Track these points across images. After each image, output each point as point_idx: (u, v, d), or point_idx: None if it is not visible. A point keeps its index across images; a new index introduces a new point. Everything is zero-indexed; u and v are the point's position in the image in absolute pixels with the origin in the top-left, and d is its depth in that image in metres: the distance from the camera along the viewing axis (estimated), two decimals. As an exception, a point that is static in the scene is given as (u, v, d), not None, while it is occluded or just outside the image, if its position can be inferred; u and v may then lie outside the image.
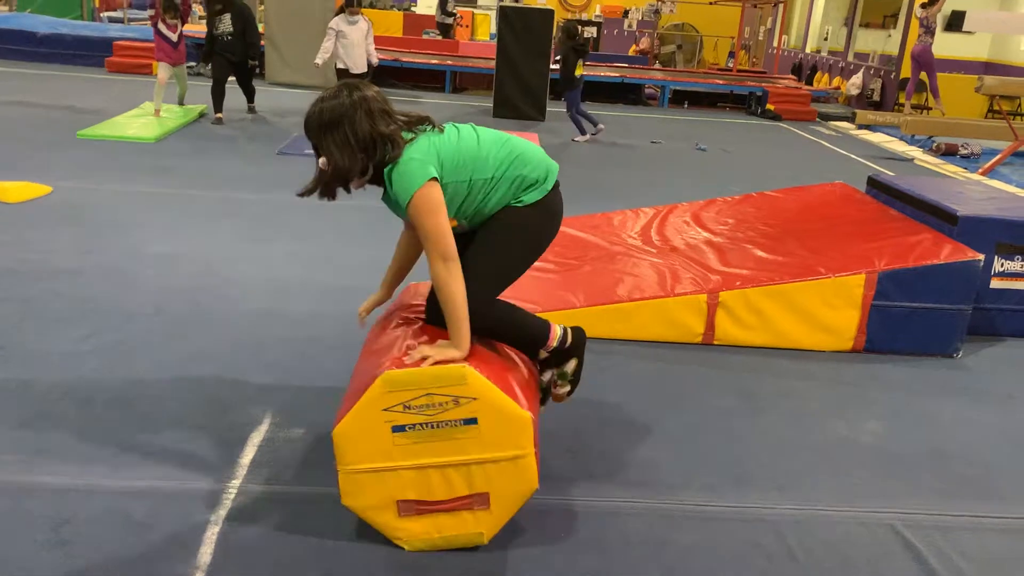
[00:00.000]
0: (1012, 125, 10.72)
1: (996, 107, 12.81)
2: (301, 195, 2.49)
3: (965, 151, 11.05)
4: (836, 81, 16.94)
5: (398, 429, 2.32)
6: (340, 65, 9.14)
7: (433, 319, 2.61)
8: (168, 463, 2.81)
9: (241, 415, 3.16)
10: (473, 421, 2.34)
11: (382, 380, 2.30)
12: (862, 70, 15.82)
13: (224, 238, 5.27)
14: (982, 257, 4.16)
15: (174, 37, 9.17)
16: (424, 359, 2.33)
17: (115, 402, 3.19)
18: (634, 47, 20.33)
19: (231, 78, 9.40)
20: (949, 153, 11.08)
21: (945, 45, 15.46)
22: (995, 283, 4.44)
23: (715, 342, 4.14)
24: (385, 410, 2.31)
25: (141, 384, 3.34)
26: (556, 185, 2.64)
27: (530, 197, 2.55)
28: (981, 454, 3.32)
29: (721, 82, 15.24)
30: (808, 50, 20.34)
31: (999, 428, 3.56)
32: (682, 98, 14.86)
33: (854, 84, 15.67)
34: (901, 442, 3.38)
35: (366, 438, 2.33)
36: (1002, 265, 4.43)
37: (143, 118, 8.97)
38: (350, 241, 5.41)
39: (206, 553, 2.39)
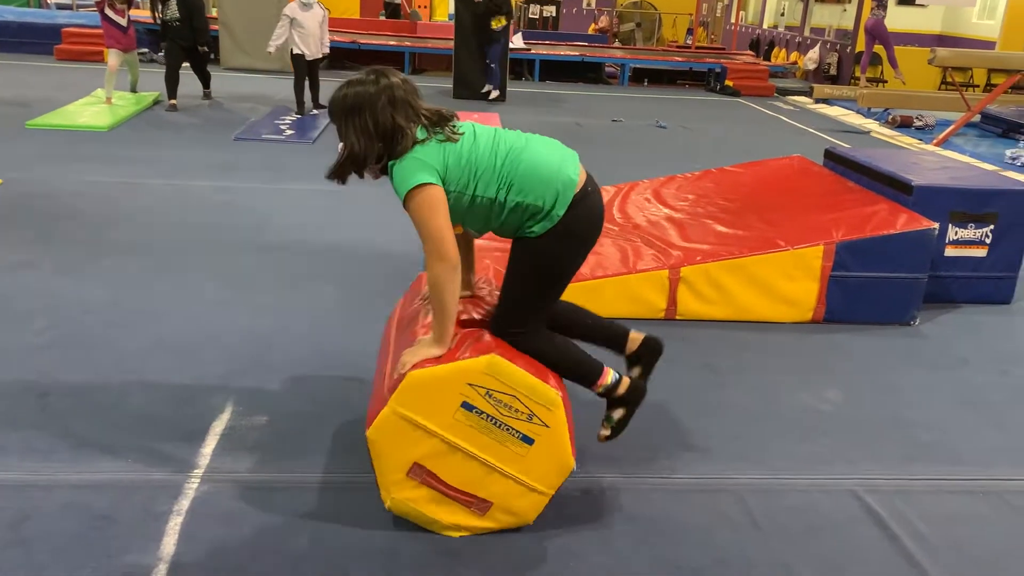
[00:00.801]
0: (964, 96, 10.90)
1: (949, 79, 13.00)
2: (328, 177, 2.48)
3: (920, 123, 11.21)
4: (793, 56, 17.06)
5: (467, 407, 2.34)
6: (296, 51, 9.02)
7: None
8: (129, 455, 2.77)
9: (203, 405, 3.12)
10: (530, 441, 2.38)
11: (488, 361, 2.32)
12: (818, 45, 15.96)
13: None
14: (936, 226, 4.23)
15: (123, 22, 8.96)
16: (405, 365, 2.34)
17: (74, 395, 3.13)
18: (593, 26, 20.31)
19: (186, 64, 9.23)
20: (904, 125, 11.24)
21: (899, 18, 15.65)
22: (949, 251, 4.53)
23: (677, 317, 4.17)
24: (470, 385, 2.32)
25: (100, 376, 3.28)
26: (576, 200, 2.43)
27: (540, 227, 2.43)
28: (938, 419, 3.40)
29: (680, 59, 15.28)
30: (765, 26, 20.47)
31: (954, 393, 3.64)
32: (642, 76, 14.89)
33: (811, 59, 15.80)
34: (861, 410, 3.44)
35: (435, 396, 2.33)
36: (956, 233, 4.51)
37: (95, 106, 8.78)
38: (308, 227, 5.36)
39: (169, 544, 2.36)
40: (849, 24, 15.87)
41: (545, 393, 2.36)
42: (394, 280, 4.50)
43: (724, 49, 17.80)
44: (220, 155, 7.22)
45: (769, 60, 17.35)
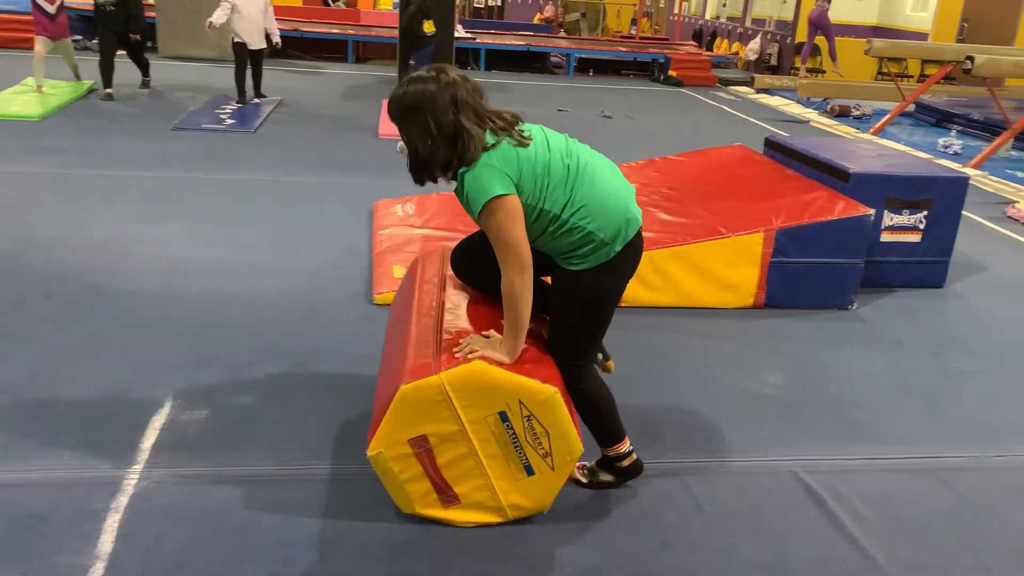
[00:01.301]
0: (899, 86, 11.18)
1: (884, 69, 13.31)
2: (416, 183, 2.37)
3: (857, 112, 11.47)
4: (735, 47, 17.29)
5: (503, 417, 2.35)
6: (237, 39, 8.84)
7: (465, 277, 2.67)
8: (64, 452, 2.70)
9: (141, 399, 3.05)
10: (531, 473, 2.42)
11: (550, 393, 2.33)
12: (759, 35, 16.20)
13: (117, 219, 5.05)
14: (873, 212, 4.33)
15: (51, 9, 8.65)
16: (472, 352, 2.34)
17: (5, 391, 3.03)
18: (538, 15, 20.31)
19: (121, 52, 8.98)
20: (842, 114, 11.49)
21: (837, 10, 15.93)
22: (885, 236, 4.64)
23: (623, 304, 4.17)
24: (520, 402, 2.33)
25: (32, 372, 3.18)
26: (633, 239, 2.44)
27: (592, 260, 2.38)
28: (874, 400, 3.48)
29: (624, 49, 15.38)
30: (708, 16, 20.69)
31: (890, 374, 3.73)
32: (587, 66, 14.95)
33: (752, 49, 16.04)
34: (801, 392, 3.51)
35: (485, 393, 2.32)
36: (891, 219, 4.62)
37: (26, 95, 8.48)
38: (250, 218, 5.27)
39: (107, 542, 2.30)
40: (789, 15, 16.13)
41: (573, 444, 2.41)
42: (337, 270, 4.46)
43: (667, 40, 17.96)
44: (158, 145, 7.05)
45: (711, 51, 17.56)
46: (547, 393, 2.33)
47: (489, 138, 2.27)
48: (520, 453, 2.39)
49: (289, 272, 4.39)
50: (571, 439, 2.40)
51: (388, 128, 8.38)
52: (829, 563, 2.44)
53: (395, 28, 12.00)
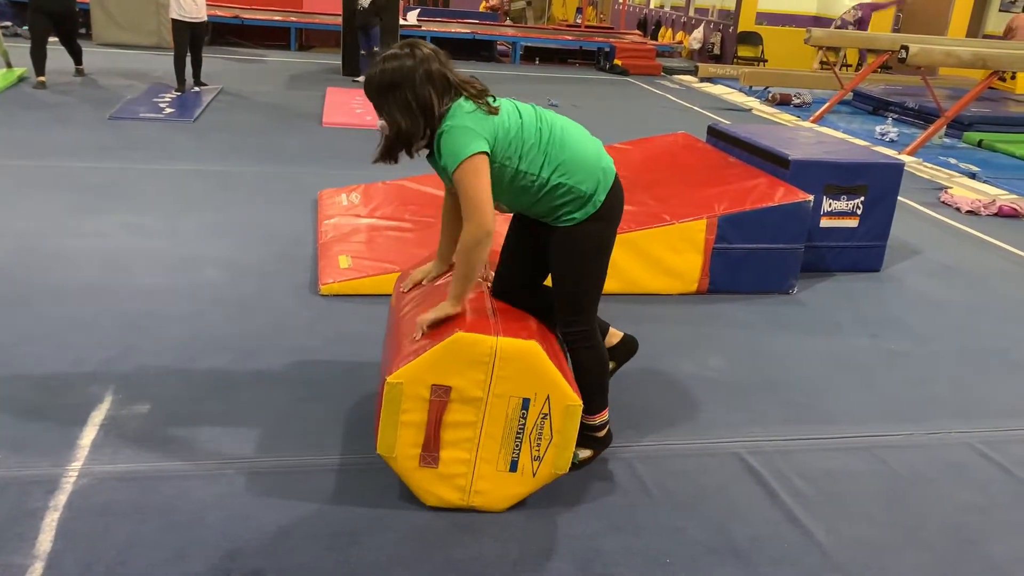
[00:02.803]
0: (838, 75, 11.41)
1: (824, 59, 13.56)
2: (375, 162, 2.47)
3: (797, 100, 11.67)
4: (679, 36, 17.46)
5: (525, 405, 2.40)
6: (175, 15, 8.65)
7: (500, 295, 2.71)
8: (-2, 450, 2.63)
9: (79, 395, 2.98)
10: (513, 469, 2.47)
11: (575, 403, 2.41)
12: (703, 25, 16.38)
13: (50, 211, 4.91)
14: (812, 198, 4.42)
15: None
16: (425, 321, 2.44)
17: (-67, 390, 2.94)
18: (484, 3, 20.22)
19: (54, 39, 8.70)
20: (783, 103, 11.68)
21: (777, 0, 16.21)
22: (824, 222, 4.74)
23: (569, 292, 4.22)
24: (547, 399, 2.40)
25: (-37, 369, 3.09)
26: (613, 186, 2.57)
27: (581, 213, 2.52)
28: (813, 381, 3.57)
29: (570, 38, 15.42)
30: (652, 6, 20.84)
31: (828, 355, 3.83)
32: (534, 54, 14.96)
33: (695, 38, 16.21)
34: (743, 375, 3.57)
35: (524, 374, 2.37)
36: (830, 205, 4.73)
37: (-48, 83, 8.20)
38: (190, 208, 5.16)
39: (46, 541, 2.25)
40: (731, 5, 16.34)
41: (564, 461, 2.47)
42: (281, 261, 4.40)
43: (613, 28, 18.05)
44: (94, 135, 6.86)
45: (656, 40, 17.70)
46: (574, 401, 2.41)
47: (468, 105, 2.38)
48: (516, 447, 2.44)
49: (231, 263, 4.32)
50: (566, 456, 2.47)
51: (332, 117, 8.29)
52: (772, 541, 2.50)
53: (339, 15, 11.84)
